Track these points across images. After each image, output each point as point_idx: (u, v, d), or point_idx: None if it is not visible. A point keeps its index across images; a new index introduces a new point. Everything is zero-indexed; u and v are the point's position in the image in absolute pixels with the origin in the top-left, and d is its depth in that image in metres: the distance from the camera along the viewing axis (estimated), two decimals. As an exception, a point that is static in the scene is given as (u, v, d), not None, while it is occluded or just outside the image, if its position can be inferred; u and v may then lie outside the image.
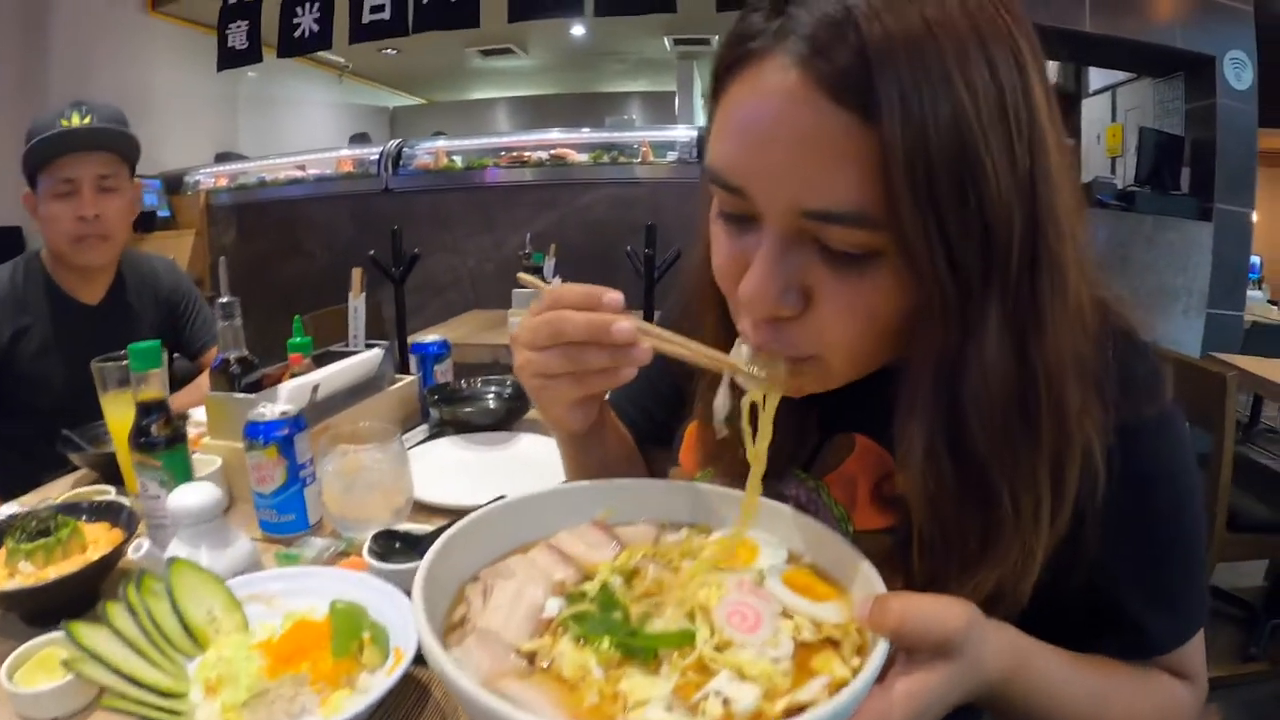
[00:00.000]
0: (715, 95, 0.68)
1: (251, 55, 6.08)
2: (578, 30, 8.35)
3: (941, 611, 0.60)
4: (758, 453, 0.74)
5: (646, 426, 1.10)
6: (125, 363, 1.29)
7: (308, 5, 5.75)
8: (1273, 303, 6.86)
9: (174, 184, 6.19)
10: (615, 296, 0.76)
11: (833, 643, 0.62)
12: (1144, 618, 0.77)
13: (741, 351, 0.74)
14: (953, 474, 0.65)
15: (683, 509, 0.82)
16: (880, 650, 0.57)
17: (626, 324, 0.73)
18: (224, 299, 1.53)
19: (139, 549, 1.01)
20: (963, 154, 0.56)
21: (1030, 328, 0.63)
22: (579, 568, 0.73)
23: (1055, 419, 0.65)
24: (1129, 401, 0.71)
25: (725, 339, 0.80)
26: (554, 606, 0.66)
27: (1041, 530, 0.66)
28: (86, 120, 2.03)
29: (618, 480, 0.84)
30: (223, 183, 6.23)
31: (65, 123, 2.01)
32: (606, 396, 0.92)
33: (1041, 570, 0.69)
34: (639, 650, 0.60)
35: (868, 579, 0.65)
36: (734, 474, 0.82)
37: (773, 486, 0.85)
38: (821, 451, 0.87)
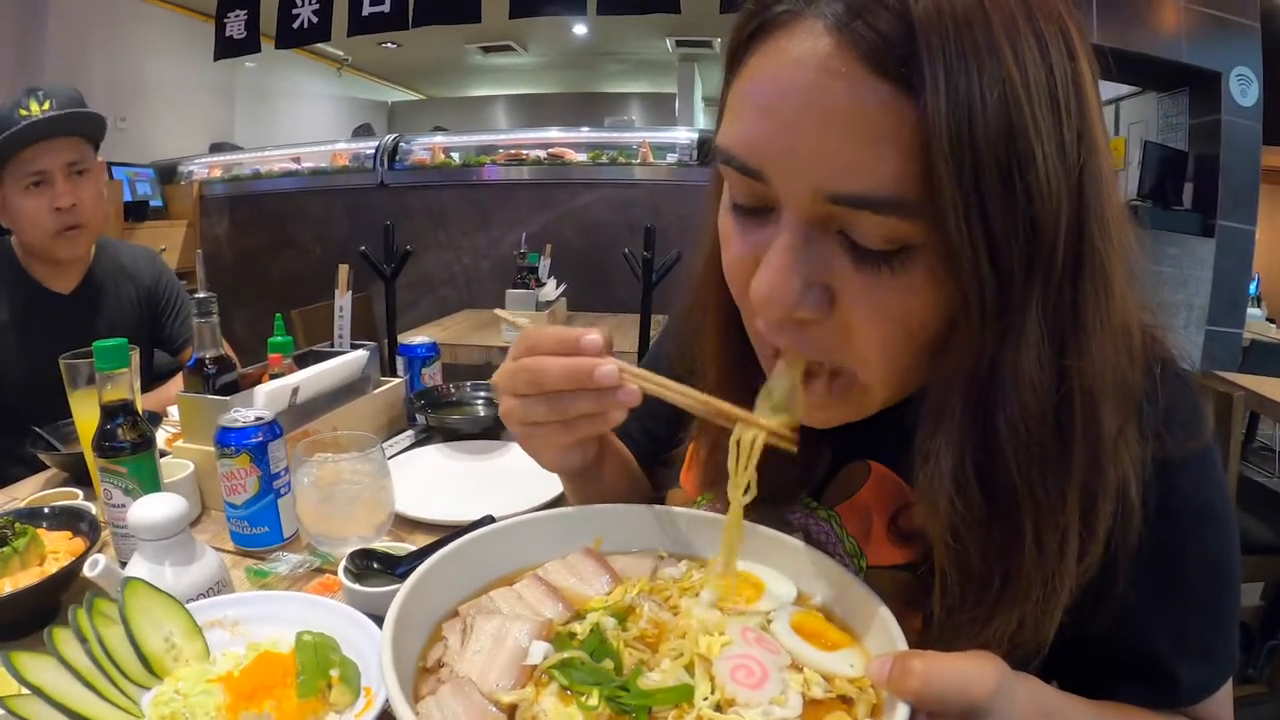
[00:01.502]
0: (731, 70, 0.62)
1: (249, 45, 6.02)
2: (579, 29, 8.34)
3: (969, 674, 0.53)
4: (735, 492, 0.69)
5: (649, 445, 1.05)
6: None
7: (307, -4, 5.69)
8: (1271, 320, 6.85)
9: (167, 173, 6.14)
10: (594, 338, 0.72)
11: (846, 700, 0.57)
12: (1176, 665, 0.72)
13: (766, 399, 0.68)
14: (980, 503, 0.59)
15: (681, 538, 0.78)
16: (900, 717, 0.52)
17: (609, 367, 0.70)
18: (200, 294, 1.47)
19: (95, 565, 0.94)
20: (1010, 137, 0.50)
21: (1071, 339, 0.57)
22: (568, 603, 0.69)
23: (1089, 445, 0.59)
24: (1172, 436, 0.66)
25: (727, 349, 0.76)
26: (539, 651, 0.61)
27: (1068, 567, 0.61)
28: (46, 106, 1.94)
29: (611, 505, 0.80)
30: (217, 173, 6.19)
31: (24, 112, 1.91)
32: None
33: (1067, 610, 0.64)
34: (631, 708, 0.55)
35: (885, 626, 0.60)
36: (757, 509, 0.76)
37: (780, 515, 0.81)
38: (834, 479, 0.82)
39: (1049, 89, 0.52)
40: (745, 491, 0.68)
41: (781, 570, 0.71)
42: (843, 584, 0.67)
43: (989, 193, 0.51)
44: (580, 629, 0.64)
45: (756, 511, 0.75)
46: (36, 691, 0.75)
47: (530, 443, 0.81)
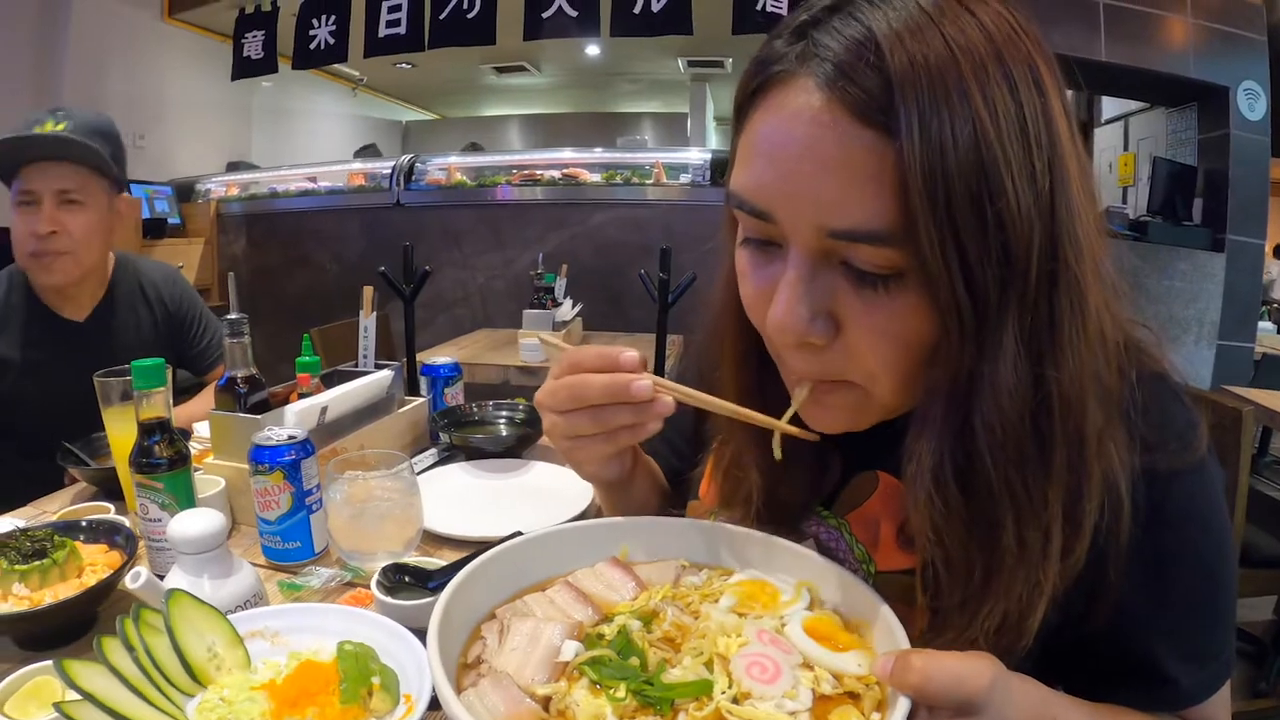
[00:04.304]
0: (738, 122, 0.68)
1: (266, 65, 6.09)
2: (592, 50, 8.34)
3: (965, 670, 0.58)
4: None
5: (672, 459, 1.11)
6: (128, 377, 1.26)
7: (324, 17, 5.75)
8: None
9: (185, 191, 6.18)
10: (632, 355, 0.78)
11: (853, 696, 0.61)
12: (1174, 669, 0.76)
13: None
14: (959, 500, 0.64)
15: (703, 548, 0.82)
16: (901, 709, 0.56)
17: (645, 381, 0.76)
18: (232, 315, 1.51)
19: (137, 578, 0.97)
20: (981, 171, 0.56)
21: (1048, 350, 0.62)
22: (597, 607, 0.74)
23: (1070, 447, 0.64)
24: (1166, 448, 0.71)
25: (745, 376, 0.82)
26: (570, 649, 0.66)
27: (1050, 564, 0.65)
28: (60, 128, 1.89)
29: (636, 518, 0.85)
30: (234, 192, 6.22)
31: (39, 130, 1.88)
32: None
33: (1064, 609, 0.69)
34: (656, 700, 0.60)
35: (890, 629, 0.64)
36: (746, 513, 0.84)
37: (794, 524, 0.86)
38: (844, 489, 0.86)
39: (1019, 124, 0.58)
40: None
41: (796, 577, 0.75)
42: (853, 589, 0.71)
43: (962, 222, 0.56)
44: (608, 630, 0.68)
45: (774, 521, 0.82)
46: (88, 697, 0.78)
47: (574, 455, 0.87)
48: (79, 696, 0.78)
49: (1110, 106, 6.98)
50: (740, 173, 0.67)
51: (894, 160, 0.56)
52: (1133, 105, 6.59)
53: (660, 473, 1.10)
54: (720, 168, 5.13)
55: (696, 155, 5.46)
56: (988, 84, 0.57)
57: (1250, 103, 5.27)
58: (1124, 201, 6.46)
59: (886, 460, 0.81)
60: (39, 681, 0.92)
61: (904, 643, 0.62)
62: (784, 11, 4.83)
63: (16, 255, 1.97)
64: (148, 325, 2.24)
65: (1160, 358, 0.76)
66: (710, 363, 0.87)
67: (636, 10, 5.07)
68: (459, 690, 0.61)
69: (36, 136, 1.88)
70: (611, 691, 0.60)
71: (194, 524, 1.05)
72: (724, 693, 0.59)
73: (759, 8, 4.87)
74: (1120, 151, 6.81)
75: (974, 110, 0.56)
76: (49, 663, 0.91)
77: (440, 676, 0.57)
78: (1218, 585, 0.76)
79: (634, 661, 0.64)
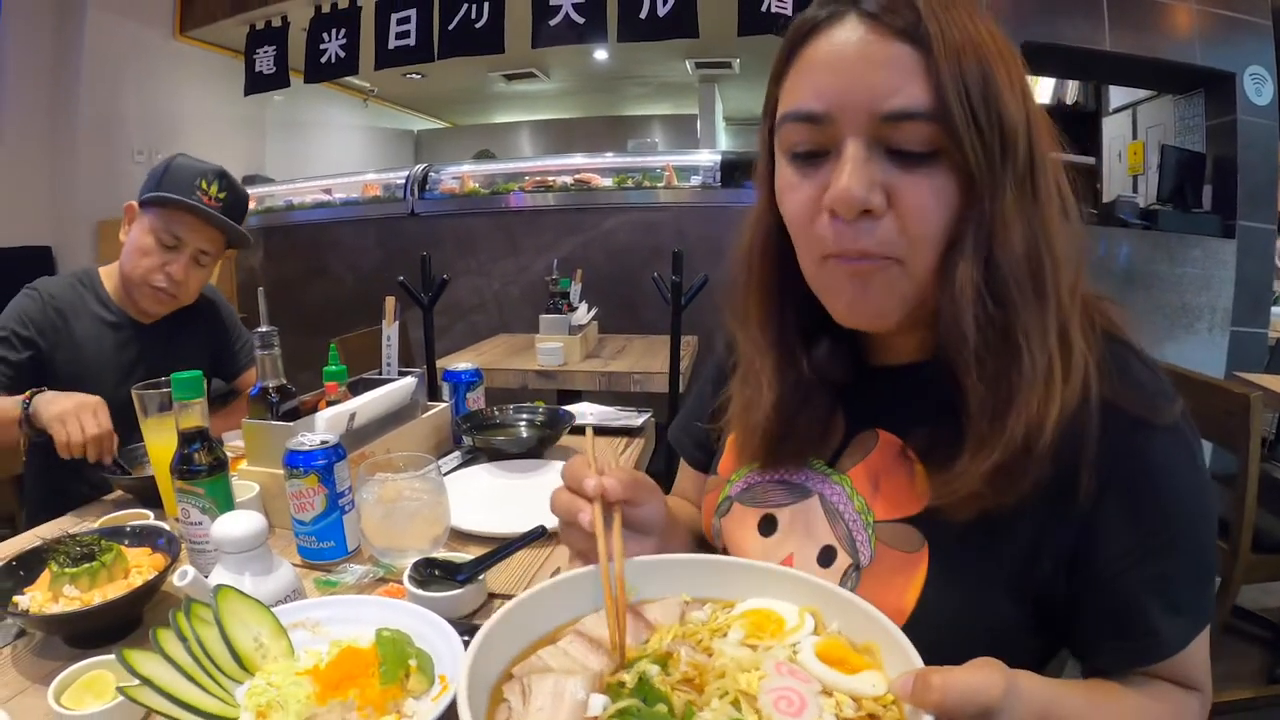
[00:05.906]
0: (781, 70, 0.85)
1: (279, 80, 6.15)
2: (600, 54, 8.33)
3: (981, 682, 0.63)
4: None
5: (701, 457, 1.18)
6: (166, 389, 1.32)
7: (334, 31, 5.82)
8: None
9: (202, 206, 6.22)
10: (591, 482, 0.85)
11: (874, 717, 0.63)
12: (1158, 618, 0.82)
13: None
14: (996, 309, 0.78)
15: (703, 581, 0.82)
16: None
17: (585, 514, 0.84)
18: (263, 328, 1.57)
19: (184, 576, 1.03)
20: (984, 75, 0.76)
21: (1033, 211, 0.79)
22: (610, 653, 0.73)
23: (1057, 288, 0.80)
24: (1135, 395, 0.81)
25: (769, 299, 0.95)
26: (598, 704, 0.65)
27: (1055, 380, 0.78)
28: (222, 196, 2.09)
29: (635, 558, 0.83)
30: (250, 205, 6.22)
31: (204, 184, 2.05)
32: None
33: (1056, 565, 0.83)
34: None
35: (899, 645, 0.66)
36: (759, 458, 0.99)
37: (798, 482, 0.98)
38: (847, 447, 0.96)
39: (1000, 56, 0.78)
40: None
41: (795, 603, 0.76)
42: (854, 610, 0.72)
43: (976, 105, 0.75)
44: (629, 678, 0.68)
45: (779, 464, 0.97)
46: (147, 682, 0.84)
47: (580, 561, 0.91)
48: (138, 683, 0.85)
49: (1118, 95, 6.95)
50: (796, 91, 0.82)
51: (925, 64, 0.75)
52: (1140, 94, 6.55)
53: (689, 519, 1.16)
54: (730, 168, 5.16)
55: (707, 157, 5.48)
56: (980, 31, 0.78)
57: (1257, 87, 5.24)
58: (1134, 190, 6.43)
59: (884, 419, 0.93)
60: (93, 675, 0.98)
61: (916, 659, 0.64)
62: (789, 11, 4.87)
63: (132, 269, 2.11)
64: (201, 332, 2.38)
65: (1123, 325, 0.88)
66: (743, 291, 0.98)
67: (643, 15, 5.11)
68: None
69: (210, 214, 2.07)
70: None
71: (237, 525, 1.11)
72: None
73: (764, 9, 4.90)
74: (1129, 140, 6.77)
75: (978, 39, 0.77)
76: (103, 658, 0.98)
77: None
78: (1198, 538, 0.84)
79: (661, 708, 0.63)
